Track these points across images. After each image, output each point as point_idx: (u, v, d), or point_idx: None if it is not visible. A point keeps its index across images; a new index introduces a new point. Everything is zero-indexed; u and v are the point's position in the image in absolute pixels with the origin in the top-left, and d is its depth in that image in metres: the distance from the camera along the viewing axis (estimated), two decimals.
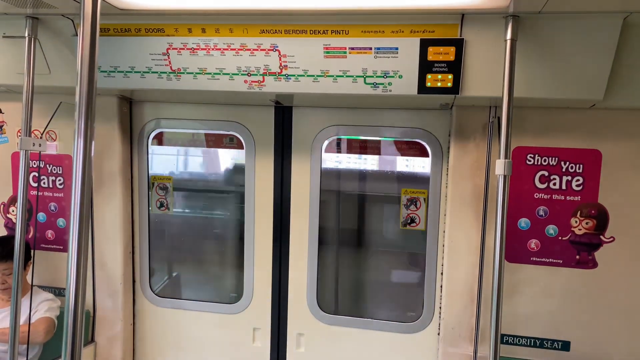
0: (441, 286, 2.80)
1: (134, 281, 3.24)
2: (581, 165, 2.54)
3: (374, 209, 3.39)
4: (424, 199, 2.91)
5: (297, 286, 3.07)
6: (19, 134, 3.10)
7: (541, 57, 2.19)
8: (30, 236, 3.11)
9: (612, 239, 2.56)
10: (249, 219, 3.07)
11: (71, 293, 1.29)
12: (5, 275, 2.88)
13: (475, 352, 2.68)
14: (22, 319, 2.76)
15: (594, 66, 2.17)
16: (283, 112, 2.97)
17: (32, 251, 2.96)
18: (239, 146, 3.08)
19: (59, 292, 3.16)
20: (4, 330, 2.83)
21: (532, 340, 2.69)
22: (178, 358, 3.28)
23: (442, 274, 2.79)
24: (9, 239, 2.92)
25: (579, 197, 2.56)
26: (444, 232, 2.78)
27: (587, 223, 2.57)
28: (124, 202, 3.08)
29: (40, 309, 2.92)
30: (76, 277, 1.30)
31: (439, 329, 2.82)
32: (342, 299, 3.39)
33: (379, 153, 3.19)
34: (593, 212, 2.55)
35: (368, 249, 3.40)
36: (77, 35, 2.50)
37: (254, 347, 3.17)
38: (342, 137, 3.05)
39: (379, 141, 3.09)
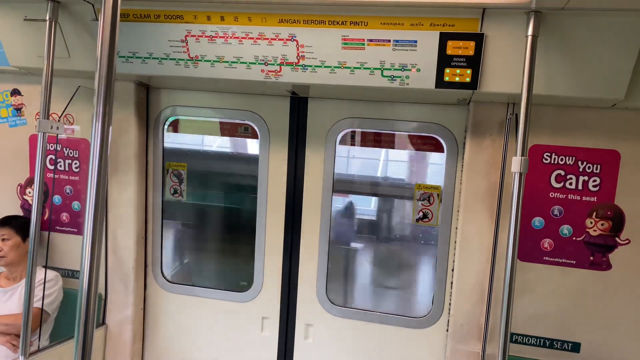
0: (451, 283, 2.79)
1: (145, 266, 3.27)
2: (599, 166, 2.51)
3: (386, 203, 3.38)
4: (438, 195, 2.89)
5: (307, 277, 3.08)
6: (37, 116, 3.14)
7: (562, 54, 2.16)
8: (45, 218, 3.16)
9: (627, 241, 2.52)
10: (261, 208, 3.08)
11: (85, 276, 1.31)
12: (2, 242, 2.95)
13: (484, 350, 2.67)
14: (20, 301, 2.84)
15: (616, 65, 2.13)
16: (299, 103, 2.97)
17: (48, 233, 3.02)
18: (254, 136, 3.09)
19: (71, 274, 3.21)
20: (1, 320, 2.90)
21: (542, 340, 2.67)
22: (187, 343, 3.31)
23: (452, 270, 2.78)
24: (21, 217, 3.01)
25: (595, 197, 2.53)
26: (456, 228, 2.76)
27: (602, 224, 2.54)
28: (138, 188, 3.11)
29: (37, 294, 2.89)
30: (90, 260, 1.31)
31: (448, 325, 2.82)
32: (351, 291, 3.40)
33: (393, 147, 3.17)
34: (609, 213, 2.52)
35: (380, 243, 3.40)
36: (97, 19, 2.51)
37: (263, 336, 3.19)
38: (356, 129, 3.04)
39: (393, 135, 3.07)
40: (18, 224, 3.03)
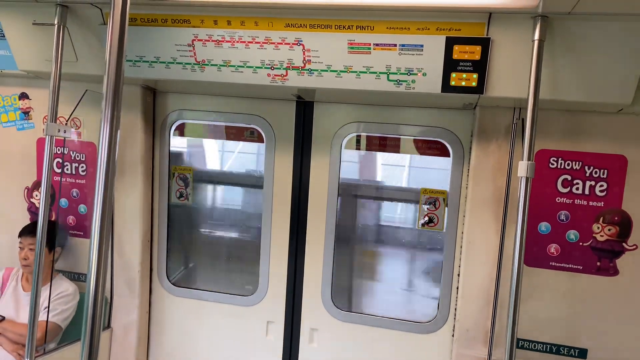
0: (457, 287, 2.78)
1: (151, 270, 3.28)
2: (605, 171, 2.50)
3: (391, 208, 3.38)
4: (443, 199, 2.89)
5: (312, 281, 3.07)
6: (44, 120, 3.16)
7: (569, 58, 2.15)
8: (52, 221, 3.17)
9: (634, 246, 2.51)
10: (267, 212, 3.08)
11: (92, 280, 1.31)
12: (30, 251, 2.95)
13: (490, 355, 2.66)
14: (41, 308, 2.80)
15: (623, 70, 2.13)
16: (304, 107, 2.98)
17: (66, 237, 3.02)
18: (260, 140, 3.10)
19: (77, 277, 3.22)
20: (14, 329, 2.90)
21: (549, 346, 2.65)
22: (192, 347, 3.31)
23: (458, 275, 2.77)
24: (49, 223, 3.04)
25: (602, 202, 2.52)
26: (462, 233, 2.75)
27: (609, 229, 2.52)
28: (144, 192, 3.12)
29: (54, 307, 2.94)
30: (97, 264, 1.31)
31: (454, 330, 2.80)
32: (356, 296, 3.39)
33: (398, 151, 3.16)
34: (616, 218, 2.51)
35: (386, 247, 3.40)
36: (104, 24, 2.53)
37: (268, 340, 3.18)
38: (362, 133, 3.04)
39: (399, 139, 3.07)
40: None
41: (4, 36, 2.75)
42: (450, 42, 2.20)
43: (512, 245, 2.14)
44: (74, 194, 3.20)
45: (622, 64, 2.11)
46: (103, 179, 1.32)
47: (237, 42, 2.39)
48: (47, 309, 2.89)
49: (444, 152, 2.88)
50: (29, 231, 3.01)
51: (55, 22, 2.48)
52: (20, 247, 3.01)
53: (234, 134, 3.30)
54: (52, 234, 2.67)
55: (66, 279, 3.12)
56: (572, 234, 2.57)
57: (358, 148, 3.16)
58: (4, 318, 2.95)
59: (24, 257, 2.97)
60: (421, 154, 3.07)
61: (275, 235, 3.09)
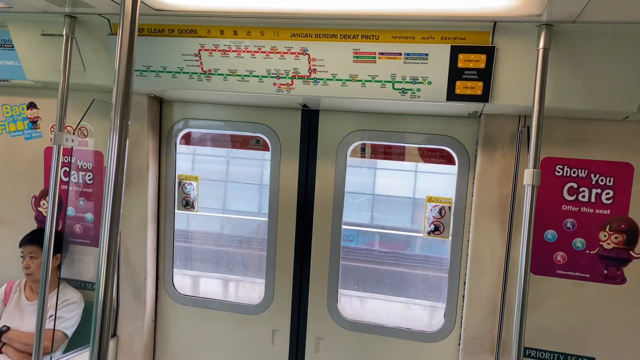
0: (463, 296, 2.77)
1: (157, 278, 3.28)
2: (612, 178, 2.49)
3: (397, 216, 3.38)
4: (449, 207, 2.88)
5: (318, 290, 3.07)
6: (52, 129, 3.19)
7: (574, 66, 2.16)
8: (59, 229, 3.18)
9: None
10: (272, 220, 3.09)
11: (101, 288, 1.31)
12: (30, 259, 2.96)
13: None
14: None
15: (628, 77, 2.13)
16: (310, 116, 2.99)
17: (67, 245, 3.03)
18: (265, 148, 3.11)
19: (84, 285, 3.22)
20: (20, 338, 2.91)
21: (556, 355, 2.63)
22: (198, 356, 3.30)
23: (464, 283, 2.76)
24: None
25: (609, 210, 2.51)
26: (468, 241, 2.75)
27: (616, 237, 2.51)
28: (151, 200, 3.13)
29: (60, 315, 2.95)
30: (106, 271, 1.32)
31: (460, 338, 2.79)
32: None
33: (403, 159, 3.17)
34: (623, 226, 2.50)
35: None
36: (112, 34, 2.56)
37: (273, 348, 3.17)
38: (367, 142, 3.05)
39: (403, 147, 3.07)
40: None
41: (12, 47, 2.78)
42: (455, 51, 2.21)
43: (518, 253, 2.13)
44: (81, 203, 3.21)
45: (627, 72, 2.11)
46: (112, 188, 1.33)
47: (243, 51, 2.41)
48: (52, 317, 2.89)
49: (449, 160, 2.88)
50: (28, 240, 3.04)
51: (64, 32, 2.51)
52: (22, 257, 3.03)
53: (240, 142, 3.32)
54: (57, 243, 2.69)
55: (70, 287, 3.13)
56: (579, 242, 2.56)
57: (363, 156, 3.16)
58: (9, 328, 2.96)
59: (26, 266, 2.99)
60: (426, 162, 3.08)
61: (280, 243, 3.09)
